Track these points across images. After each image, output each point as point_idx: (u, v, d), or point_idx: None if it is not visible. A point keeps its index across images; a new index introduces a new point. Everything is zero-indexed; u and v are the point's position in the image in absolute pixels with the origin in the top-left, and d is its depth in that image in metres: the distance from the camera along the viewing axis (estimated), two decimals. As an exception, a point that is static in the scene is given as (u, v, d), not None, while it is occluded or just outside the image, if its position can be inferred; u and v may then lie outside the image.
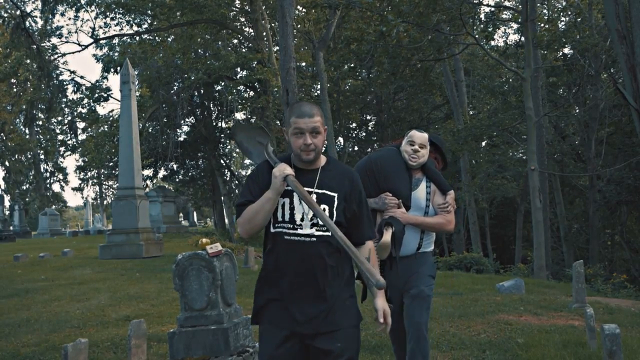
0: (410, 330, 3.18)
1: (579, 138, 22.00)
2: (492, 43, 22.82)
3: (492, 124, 18.09)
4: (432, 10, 13.75)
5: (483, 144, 22.85)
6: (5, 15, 27.04)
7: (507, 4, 20.16)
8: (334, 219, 2.33)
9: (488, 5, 15.89)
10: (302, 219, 2.32)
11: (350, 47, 18.00)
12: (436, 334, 5.17)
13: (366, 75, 24.81)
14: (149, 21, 24.53)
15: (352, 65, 22.40)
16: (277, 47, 18.83)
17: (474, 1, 14.76)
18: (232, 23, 24.31)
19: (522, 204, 22.72)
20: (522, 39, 15.98)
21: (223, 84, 25.29)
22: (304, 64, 26.09)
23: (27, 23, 23.91)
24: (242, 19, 25.79)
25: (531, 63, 14.07)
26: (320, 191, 2.36)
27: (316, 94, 24.96)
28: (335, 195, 2.37)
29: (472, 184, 19.90)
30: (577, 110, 20.63)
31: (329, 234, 2.31)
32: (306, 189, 2.31)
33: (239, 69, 24.83)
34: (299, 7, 20.41)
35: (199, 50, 25.99)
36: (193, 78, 23.16)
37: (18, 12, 24.15)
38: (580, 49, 17.11)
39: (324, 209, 2.31)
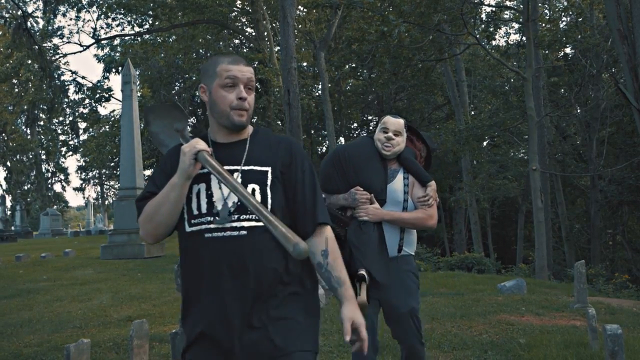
0: (405, 352, 2.85)
1: (581, 138, 21.99)
2: (494, 43, 22.84)
3: (493, 124, 18.09)
4: (433, 11, 13.75)
5: (484, 144, 22.84)
6: (7, 15, 27.11)
7: (508, 3, 20.16)
8: (269, 202, 1.73)
9: (489, 5, 15.89)
10: (226, 206, 1.73)
11: (352, 47, 18.05)
12: (438, 334, 5.17)
13: (367, 75, 24.82)
14: (151, 21, 24.60)
15: (354, 65, 22.44)
16: (278, 47, 18.83)
17: (475, 1, 14.76)
18: (233, 23, 24.35)
19: (524, 204, 22.70)
20: (524, 38, 15.97)
21: (224, 84, 25.33)
22: (305, 64, 26.11)
23: (29, 23, 23.93)
24: (243, 19, 25.83)
25: (532, 63, 14.06)
26: (247, 168, 1.77)
27: (317, 94, 24.97)
28: (268, 169, 1.78)
29: (474, 184, 19.89)
30: (578, 110, 20.62)
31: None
32: (231, 167, 1.76)
33: (240, 69, 24.84)
34: (300, 7, 20.42)
35: (200, 51, 26.05)
36: (194, 78, 23.21)
37: (19, 13, 24.17)
38: (582, 49, 17.10)
39: (253, 190, 1.73)
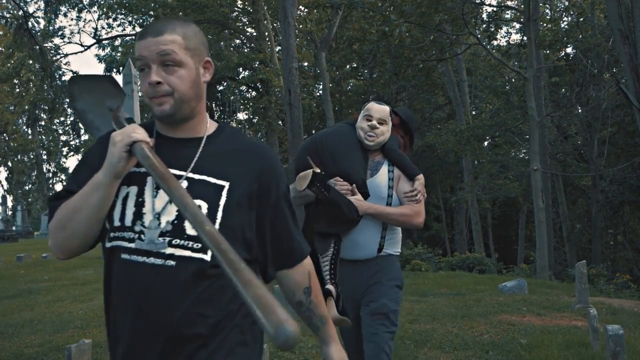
0: (369, 356, 2.43)
1: (582, 138, 21.96)
2: (495, 43, 22.81)
3: (494, 124, 18.09)
4: (434, 10, 13.74)
5: (485, 144, 22.83)
6: (8, 15, 27.12)
7: (509, 3, 20.15)
8: (217, 227, 1.25)
9: (490, 5, 15.88)
10: (158, 223, 1.27)
11: (353, 47, 18.06)
12: (439, 334, 5.17)
13: (368, 75, 24.79)
14: (151, 21, 24.61)
15: (354, 65, 22.42)
16: (279, 47, 18.84)
17: (476, 1, 14.75)
18: (234, 23, 24.35)
19: (525, 204, 22.69)
20: (525, 38, 15.96)
21: (225, 84, 25.35)
22: (306, 64, 26.11)
23: (30, 24, 23.94)
24: (244, 19, 25.83)
25: (533, 63, 14.05)
26: (196, 177, 1.31)
27: (318, 94, 24.98)
28: (225, 185, 1.31)
29: (475, 184, 19.89)
30: (579, 110, 20.60)
31: (205, 256, 1.25)
32: (174, 172, 1.27)
33: (241, 69, 24.88)
34: (300, 7, 20.42)
35: (201, 51, 26.06)
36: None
37: (21, 13, 24.19)
38: (583, 48, 17.09)
39: (199, 208, 1.17)
